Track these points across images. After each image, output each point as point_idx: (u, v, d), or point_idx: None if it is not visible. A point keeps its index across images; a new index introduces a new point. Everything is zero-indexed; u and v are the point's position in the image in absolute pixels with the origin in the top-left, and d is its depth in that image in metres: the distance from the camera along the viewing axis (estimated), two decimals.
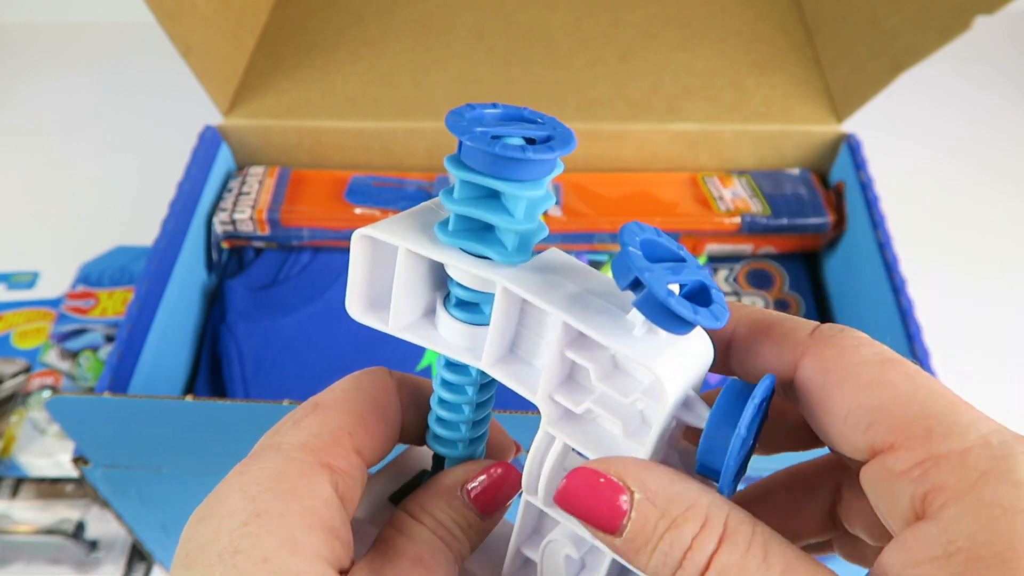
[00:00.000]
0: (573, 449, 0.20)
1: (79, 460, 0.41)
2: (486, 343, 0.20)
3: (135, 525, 0.47)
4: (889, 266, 0.50)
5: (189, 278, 0.54)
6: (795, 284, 0.59)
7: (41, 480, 0.54)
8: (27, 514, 0.53)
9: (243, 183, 0.59)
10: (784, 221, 0.56)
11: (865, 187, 0.54)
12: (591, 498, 0.17)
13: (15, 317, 0.62)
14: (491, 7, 0.67)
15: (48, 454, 0.52)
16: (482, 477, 0.22)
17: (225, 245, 0.59)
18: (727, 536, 0.16)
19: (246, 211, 0.56)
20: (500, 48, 0.64)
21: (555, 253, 0.21)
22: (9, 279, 0.66)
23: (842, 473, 0.22)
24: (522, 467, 0.22)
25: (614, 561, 0.21)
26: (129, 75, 0.86)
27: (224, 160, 0.60)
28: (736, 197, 0.57)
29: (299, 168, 0.61)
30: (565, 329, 0.19)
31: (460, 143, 0.19)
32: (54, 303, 0.63)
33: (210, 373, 0.54)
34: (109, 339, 0.59)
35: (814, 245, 0.59)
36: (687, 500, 0.17)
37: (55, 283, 0.65)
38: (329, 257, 0.59)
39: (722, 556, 0.16)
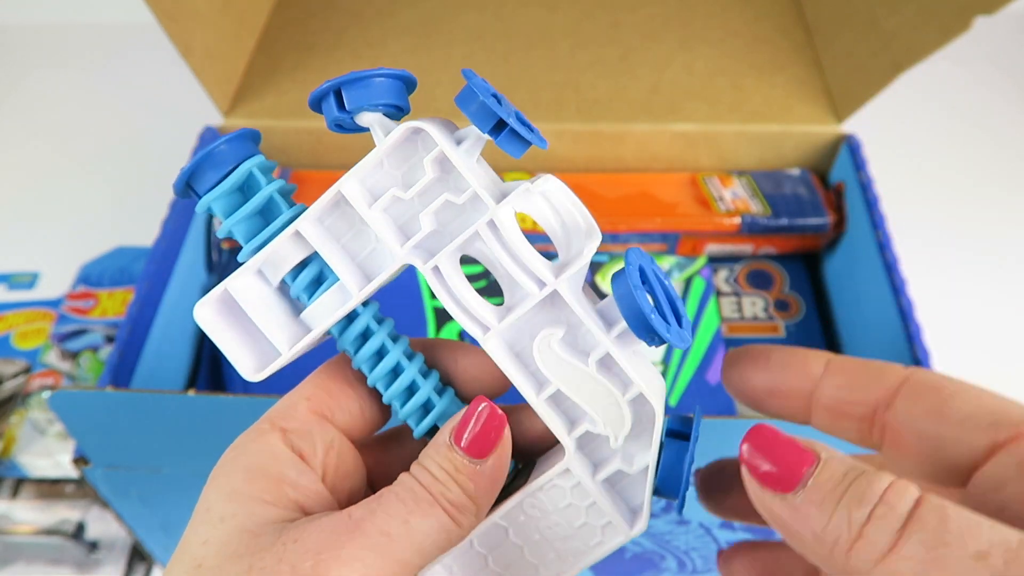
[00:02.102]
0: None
1: (79, 460, 0.41)
2: (341, 277, 0.23)
3: (135, 525, 0.47)
4: (889, 266, 0.50)
5: (189, 278, 0.54)
6: (795, 284, 0.59)
7: (41, 481, 0.54)
8: (27, 515, 0.53)
9: None
10: (784, 221, 0.56)
11: (865, 187, 0.54)
12: (780, 451, 0.18)
13: (15, 317, 0.62)
14: (491, 7, 0.67)
15: (48, 455, 0.52)
16: (465, 419, 0.22)
17: (225, 245, 0.59)
18: (925, 496, 0.16)
19: None
20: (500, 48, 0.64)
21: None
22: (9, 279, 0.66)
23: None
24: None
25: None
26: (129, 75, 0.86)
27: None
28: (736, 197, 0.57)
29: (299, 168, 0.61)
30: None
31: None
32: (54, 303, 0.63)
33: (210, 373, 0.54)
34: (109, 340, 0.59)
35: (814, 245, 0.59)
36: (866, 464, 0.17)
37: (55, 283, 0.65)
38: None
39: (931, 499, 0.15)
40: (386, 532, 0.20)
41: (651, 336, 0.20)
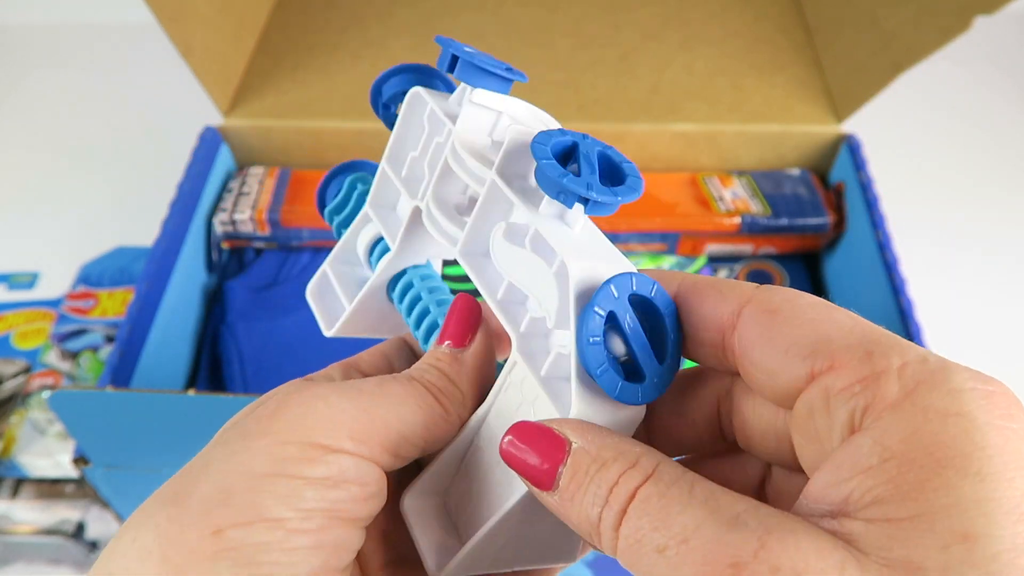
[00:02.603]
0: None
1: (80, 460, 0.41)
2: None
3: None
4: (889, 266, 0.50)
5: (189, 278, 0.54)
6: (795, 284, 0.59)
7: (41, 481, 0.54)
8: (27, 514, 0.53)
9: (243, 183, 0.59)
10: (784, 221, 0.56)
11: (865, 187, 0.54)
12: (534, 446, 0.18)
13: (15, 317, 0.62)
14: (491, 7, 0.67)
15: (48, 455, 0.52)
16: (447, 318, 0.23)
17: (225, 245, 0.59)
18: (654, 475, 0.16)
19: (246, 211, 0.56)
20: (500, 48, 0.64)
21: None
22: (9, 279, 0.66)
23: (730, 384, 0.21)
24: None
25: None
26: (129, 75, 0.86)
27: (224, 160, 0.60)
28: (736, 197, 0.57)
29: (299, 168, 0.61)
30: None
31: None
32: (54, 303, 0.63)
33: (210, 373, 0.54)
34: (109, 339, 0.59)
35: (814, 245, 0.59)
36: (620, 448, 0.17)
37: (55, 283, 0.65)
38: None
39: (647, 487, 0.16)
40: (358, 388, 0.20)
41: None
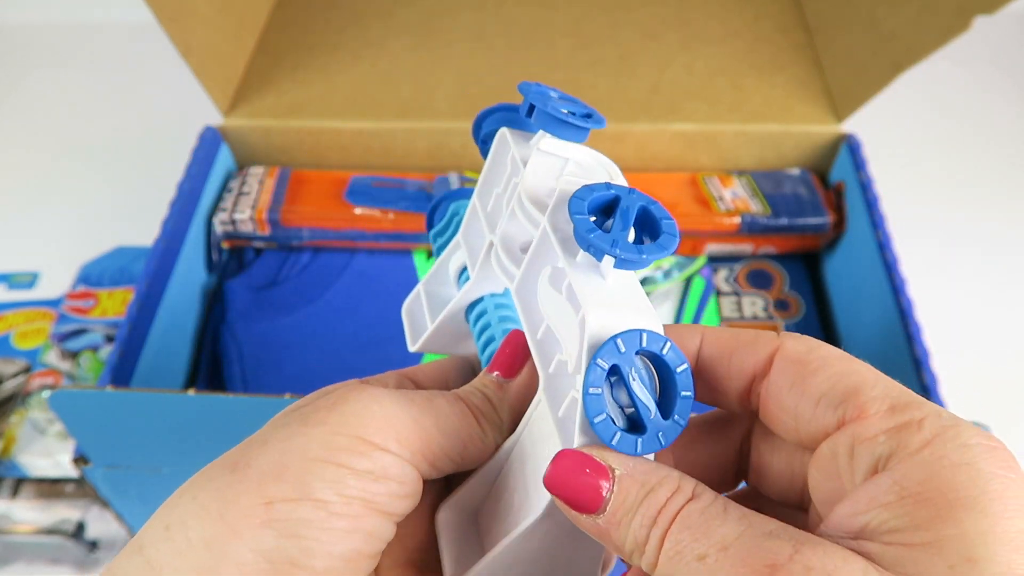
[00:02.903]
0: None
1: (80, 460, 0.41)
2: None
3: (135, 525, 0.47)
4: (889, 266, 0.50)
5: (189, 278, 0.54)
6: (795, 284, 0.59)
7: (41, 480, 0.54)
8: (27, 514, 0.53)
9: (243, 183, 0.59)
10: (784, 221, 0.56)
11: (865, 187, 0.54)
12: (576, 479, 0.19)
13: (15, 317, 0.62)
14: (491, 6, 0.67)
15: (48, 454, 0.52)
16: (500, 349, 0.25)
17: (225, 245, 0.59)
18: (694, 497, 0.18)
19: (246, 211, 0.56)
20: (500, 48, 0.64)
21: None
22: (9, 279, 0.66)
23: (749, 426, 0.23)
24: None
25: None
26: (129, 75, 0.86)
27: (224, 160, 0.60)
28: (736, 197, 0.57)
29: (299, 168, 0.61)
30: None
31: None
32: (54, 303, 0.63)
33: (210, 373, 0.54)
34: (109, 339, 0.59)
35: (814, 245, 0.59)
36: (661, 473, 0.19)
37: (55, 283, 0.65)
38: (329, 257, 0.59)
39: (689, 507, 0.18)
40: (409, 398, 0.22)
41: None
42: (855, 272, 0.55)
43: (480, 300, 0.28)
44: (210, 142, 0.58)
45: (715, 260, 0.59)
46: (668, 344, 0.20)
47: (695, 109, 0.59)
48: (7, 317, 0.62)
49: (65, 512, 0.53)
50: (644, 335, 0.20)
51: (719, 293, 0.58)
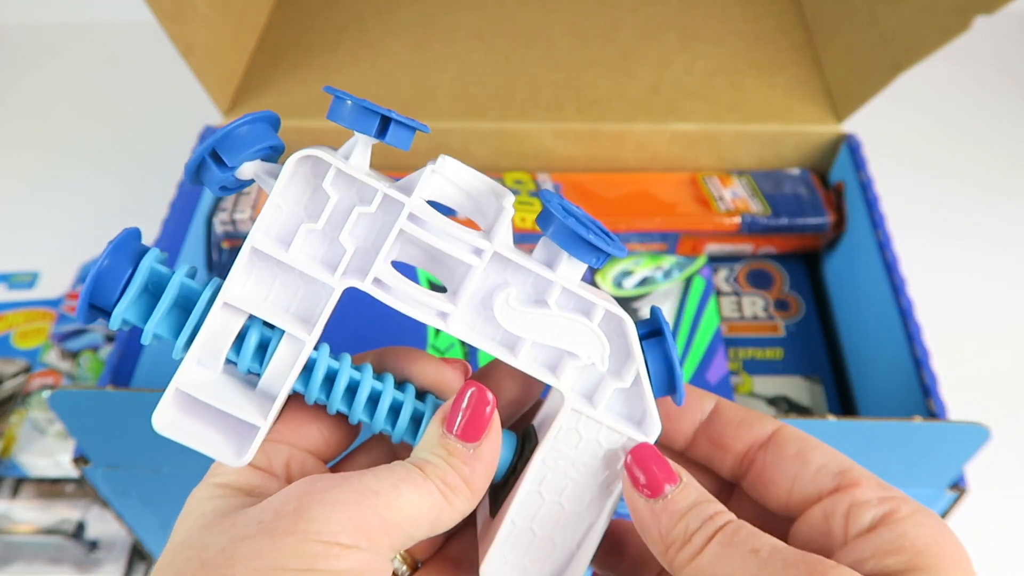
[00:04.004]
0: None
1: (80, 460, 0.41)
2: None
3: (135, 525, 0.47)
4: (889, 266, 0.50)
5: None
6: (795, 284, 0.59)
7: (41, 480, 0.54)
8: (27, 514, 0.53)
9: None
10: (784, 221, 0.56)
11: (865, 187, 0.54)
12: (655, 466, 0.23)
13: (15, 317, 0.62)
14: (491, 7, 0.67)
15: (48, 454, 0.52)
16: (455, 406, 0.23)
17: (225, 245, 0.59)
18: (735, 520, 0.22)
19: (246, 211, 0.56)
20: (500, 48, 0.64)
21: None
22: (9, 279, 0.66)
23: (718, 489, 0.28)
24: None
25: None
26: (129, 75, 0.86)
27: None
28: (736, 197, 0.57)
29: None
30: None
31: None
32: (54, 303, 0.63)
33: None
34: (109, 339, 0.59)
35: (814, 245, 0.59)
36: (711, 496, 0.23)
37: (55, 283, 0.65)
38: None
39: (734, 523, 0.22)
40: (374, 490, 0.21)
41: (594, 254, 0.23)
42: (855, 272, 0.55)
43: (312, 362, 0.24)
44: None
45: (715, 260, 0.59)
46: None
47: (695, 109, 0.59)
48: (7, 317, 0.62)
49: (65, 512, 0.53)
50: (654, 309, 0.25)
51: (719, 293, 0.58)
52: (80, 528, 0.53)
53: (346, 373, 0.24)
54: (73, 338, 0.59)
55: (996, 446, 0.38)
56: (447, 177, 0.23)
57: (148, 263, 0.22)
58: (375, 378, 0.24)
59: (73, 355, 0.58)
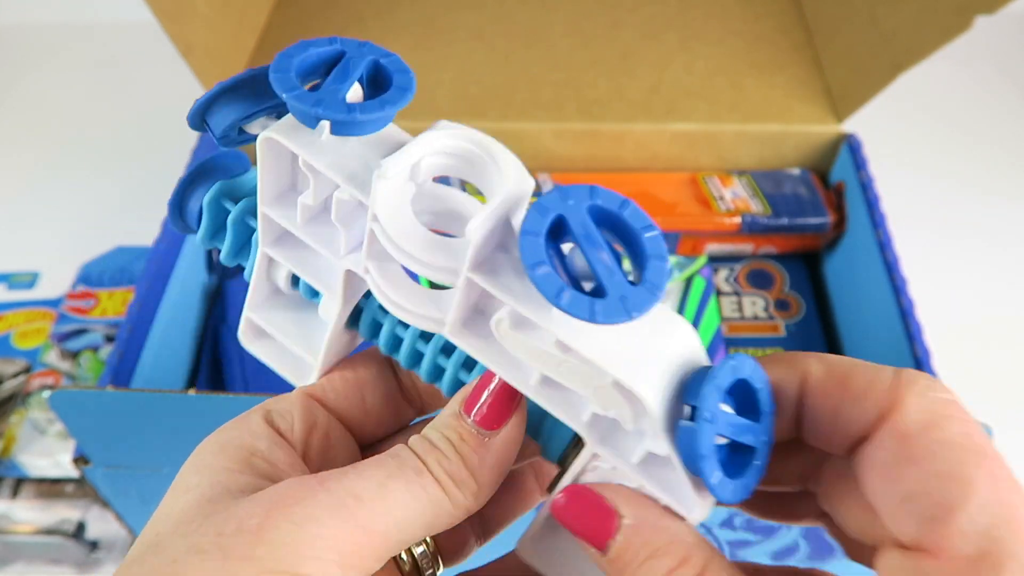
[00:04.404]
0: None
1: (80, 460, 0.41)
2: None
3: (135, 525, 0.47)
4: (889, 266, 0.50)
5: (189, 278, 0.54)
6: (795, 284, 0.59)
7: (41, 480, 0.54)
8: (27, 514, 0.53)
9: None
10: (784, 221, 0.56)
11: (865, 187, 0.54)
12: (586, 515, 0.19)
13: (15, 317, 0.62)
14: (491, 7, 0.67)
15: (48, 454, 0.52)
16: (479, 387, 0.20)
17: None
18: (704, 574, 0.17)
19: None
20: (500, 48, 0.64)
21: None
22: (9, 279, 0.66)
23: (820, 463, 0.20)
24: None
25: None
26: (129, 75, 0.86)
27: None
28: (736, 197, 0.57)
29: None
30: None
31: None
32: (54, 303, 0.63)
33: (210, 373, 0.54)
34: (109, 339, 0.59)
35: (814, 245, 0.59)
36: (671, 535, 0.18)
37: (55, 283, 0.65)
38: None
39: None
40: (356, 495, 0.18)
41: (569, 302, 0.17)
42: (855, 272, 0.55)
43: (360, 308, 0.23)
44: (210, 142, 0.58)
45: (715, 260, 0.59)
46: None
47: (695, 109, 0.59)
48: (7, 317, 0.62)
49: (65, 512, 0.53)
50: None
51: (719, 293, 0.58)
52: (80, 528, 0.53)
53: (391, 320, 0.22)
54: (73, 338, 0.59)
55: (996, 446, 0.38)
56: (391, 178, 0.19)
57: (210, 197, 0.23)
58: (423, 335, 0.22)
59: (73, 355, 0.58)
